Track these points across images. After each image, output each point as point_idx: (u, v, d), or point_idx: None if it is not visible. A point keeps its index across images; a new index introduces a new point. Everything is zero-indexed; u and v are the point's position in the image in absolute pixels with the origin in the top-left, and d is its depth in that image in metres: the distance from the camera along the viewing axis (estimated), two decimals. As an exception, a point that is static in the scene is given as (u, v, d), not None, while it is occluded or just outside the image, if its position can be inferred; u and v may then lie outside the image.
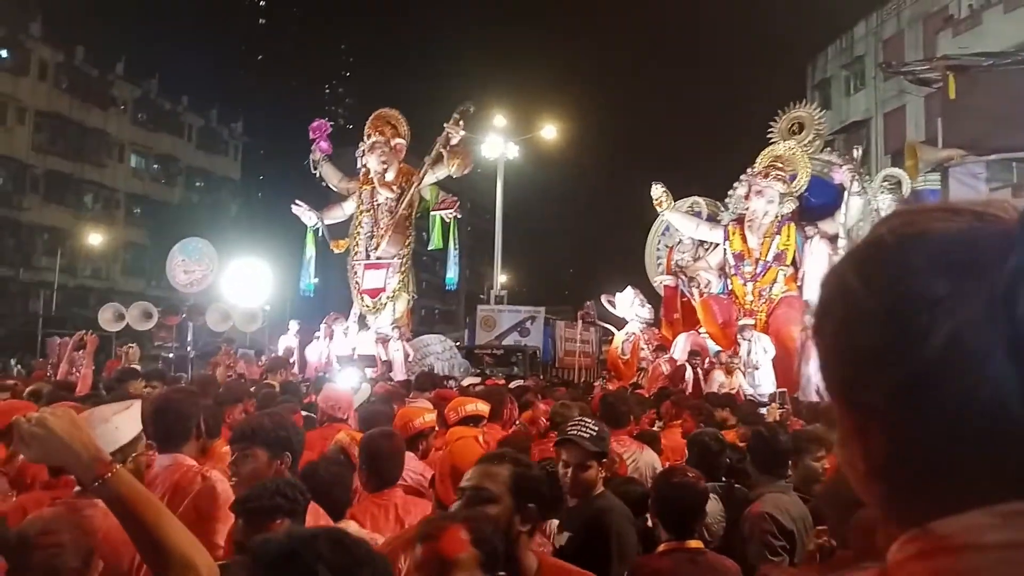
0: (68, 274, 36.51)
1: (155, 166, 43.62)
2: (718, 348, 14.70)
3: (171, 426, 3.09)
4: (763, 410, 7.91)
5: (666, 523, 2.89)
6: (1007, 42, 19.56)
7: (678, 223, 17.05)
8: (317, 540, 1.25)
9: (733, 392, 12.33)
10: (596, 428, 3.23)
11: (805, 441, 3.54)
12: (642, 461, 4.41)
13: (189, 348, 18.06)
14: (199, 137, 46.07)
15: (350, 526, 2.74)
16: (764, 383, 13.59)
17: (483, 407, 4.68)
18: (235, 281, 17.48)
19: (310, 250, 16.97)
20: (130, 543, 1.65)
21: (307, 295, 17.31)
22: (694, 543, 2.85)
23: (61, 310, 32.60)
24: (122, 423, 2.48)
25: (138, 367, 12.27)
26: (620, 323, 17.23)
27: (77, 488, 2.49)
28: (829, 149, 17.03)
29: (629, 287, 16.78)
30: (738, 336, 14.82)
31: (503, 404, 5.29)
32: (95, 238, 38.37)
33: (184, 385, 6.50)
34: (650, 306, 16.73)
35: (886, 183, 15.05)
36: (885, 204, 14.77)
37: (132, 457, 2.50)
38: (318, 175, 17.11)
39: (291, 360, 13.37)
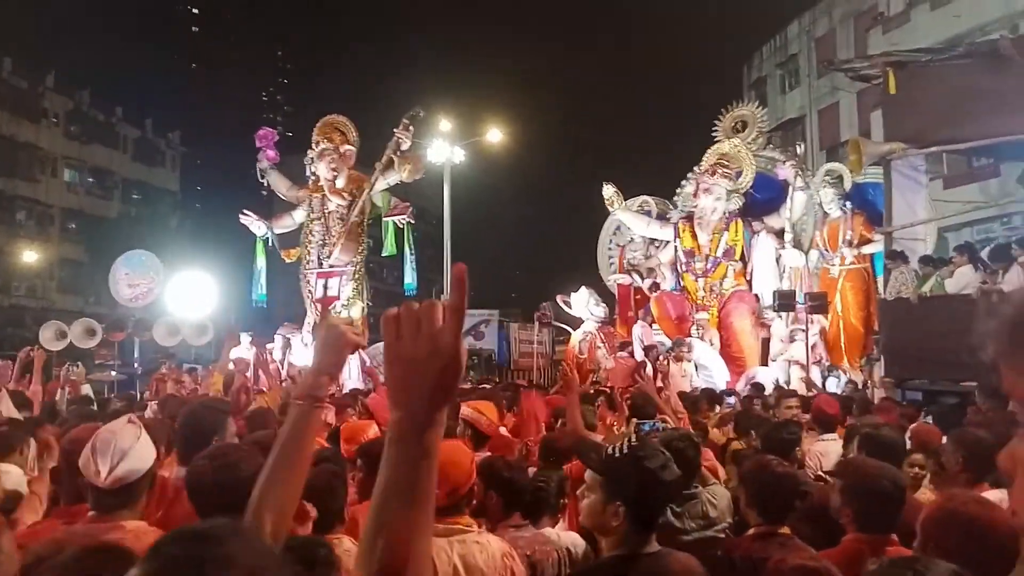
0: (2, 293, 35.33)
1: (90, 180, 42.24)
2: (668, 342, 14.89)
3: (193, 439, 3.09)
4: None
5: (760, 509, 3.03)
6: (935, 38, 20.31)
7: (629, 222, 17.27)
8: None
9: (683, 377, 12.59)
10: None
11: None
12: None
13: (136, 365, 17.62)
14: (135, 148, 44.80)
15: (343, 542, 2.66)
16: (717, 376, 13.86)
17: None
18: (179, 294, 17.09)
19: (260, 260, 16.66)
20: None
21: (259, 306, 17.01)
22: (783, 529, 2.97)
23: (-4, 331, 31.46)
24: (147, 440, 2.47)
25: (88, 387, 11.95)
26: (575, 323, 17.35)
27: (91, 513, 2.45)
28: (771, 146, 17.43)
29: (583, 287, 16.92)
30: (692, 330, 15.10)
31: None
32: (29, 255, 37.13)
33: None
34: (605, 305, 16.89)
35: (828, 177, 15.46)
36: (827, 198, 15.21)
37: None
38: (266, 184, 16.84)
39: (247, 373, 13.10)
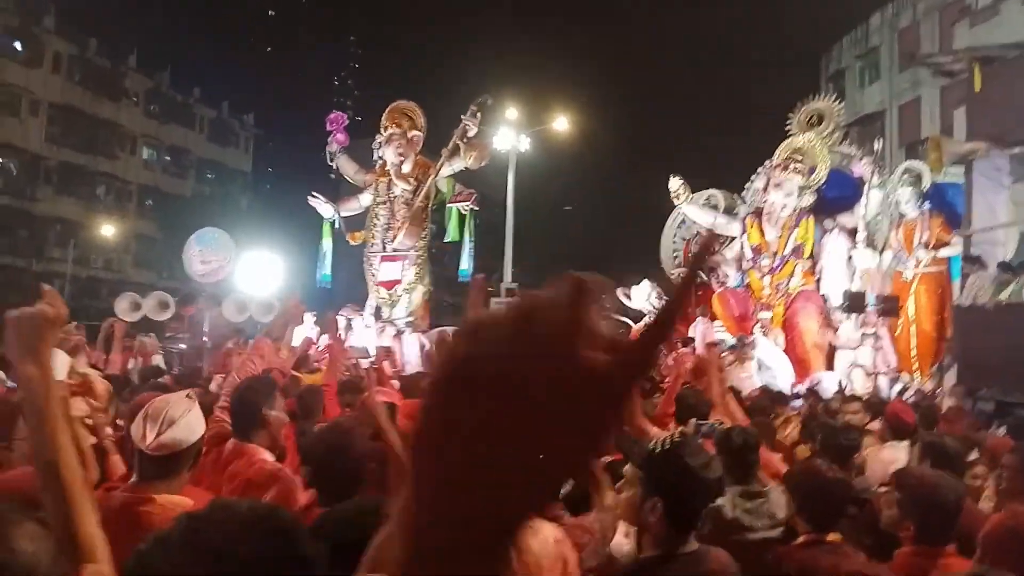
0: (80, 265, 36.73)
1: (167, 158, 43.71)
2: (731, 340, 14.61)
3: (241, 414, 3.23)
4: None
5: (808, 516, 2.94)
6: (1025, 33, 19.38)
7: (695, 216, 16.97)
8: None
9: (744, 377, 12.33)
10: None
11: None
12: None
13: (205, 339, 18.16)
14: (210, 129, 46.13)
15: None
16: (780, 377, 13.55)
17: None
18: (248, 272, 17.51)
19: (327, 242, 16.98)
20: None
21: (324, 287, 17.33)
22: (833, 536, 2.89)
23: (73, 301, 32.70)
24: (198, 415, 2.52)
25: (160, 357, 12.36)
26: (636, 316, 17.18)
27: (133, 479, 2.50)
28: (848, 141, 16.90)
29: (646, 280, 16.73)
30: (754, 329, 14.79)
31: None
32: (107, 230, 38.60)
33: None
34: (666, 299, 16.66)
35: (906, 176, 14.92)
36: (904, 197, 14.68)
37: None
38: (334, 167, 17.12)
39: (310, 353, 13.38)
